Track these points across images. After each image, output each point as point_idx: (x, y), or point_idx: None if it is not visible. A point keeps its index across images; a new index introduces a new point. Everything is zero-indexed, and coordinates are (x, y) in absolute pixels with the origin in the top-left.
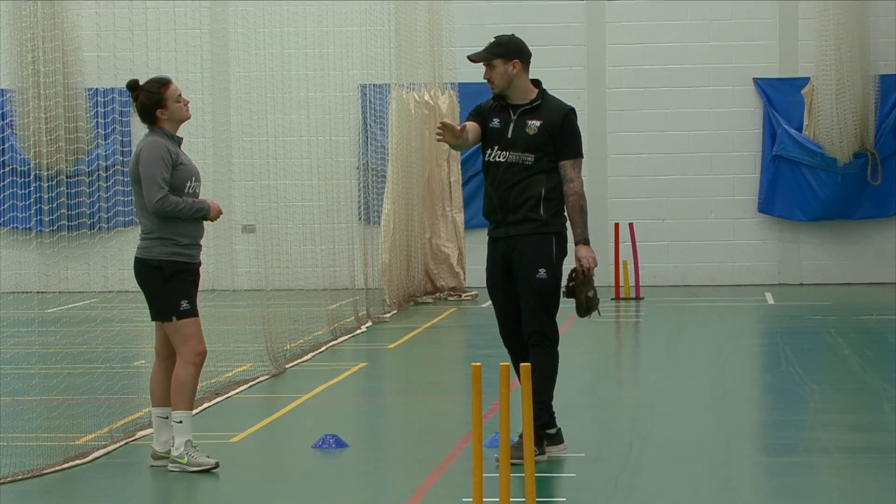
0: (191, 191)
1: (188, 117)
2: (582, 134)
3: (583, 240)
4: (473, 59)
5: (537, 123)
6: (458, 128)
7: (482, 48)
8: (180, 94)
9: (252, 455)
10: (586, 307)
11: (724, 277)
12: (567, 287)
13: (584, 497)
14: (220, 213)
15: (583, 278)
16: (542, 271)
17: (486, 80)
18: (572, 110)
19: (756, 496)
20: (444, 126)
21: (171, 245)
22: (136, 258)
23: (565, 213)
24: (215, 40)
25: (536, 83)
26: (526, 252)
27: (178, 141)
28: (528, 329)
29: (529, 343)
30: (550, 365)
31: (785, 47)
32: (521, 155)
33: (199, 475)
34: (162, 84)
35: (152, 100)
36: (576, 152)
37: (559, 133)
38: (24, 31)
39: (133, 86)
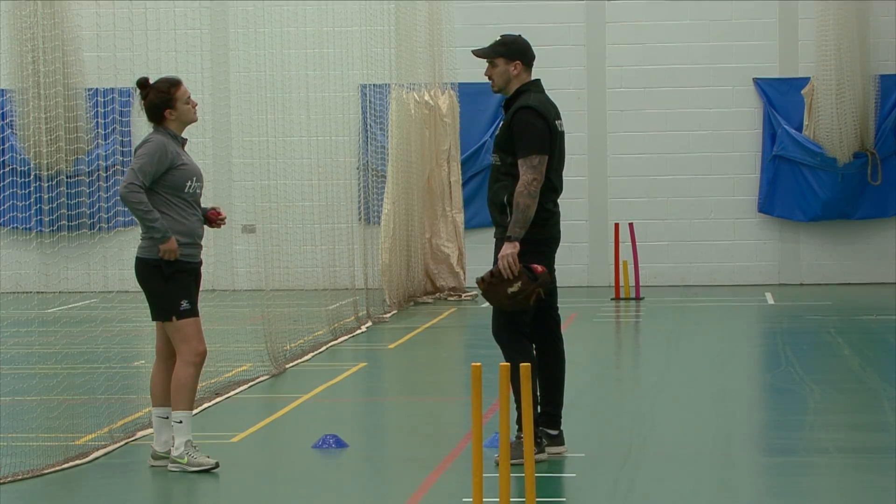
0: (191, 190)
1: (195, 120)
2: (580, 134)
3: (510, 236)
4: (477, 54)
5: (500, 123)
6: None
7: (488, 45)
8: (189, 97)
9: (252, 455)
10: (511, 303)
11: (724, 277)
12: (480, 288)
13: (584, 497)
14: (173, 252)
15: (491, 280)
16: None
17: (487, 77)
18: (524, 107)
19: (756, 496)
20: None
21: None
22: (137, 257)
23: (544, 220)
24: (215, 40)
25: (531, 83)
26: (496, 256)
27: (183, 142)
28: (492, 330)
29: (497, 343)
30: (516, 362)
31: (785, 47)
32: (493, 156)
33: (199, 475)
34: (173, 84)
35: (162, 99)
36: (524, 149)
37: (512, 131)
38: (24, 31)
39: (143, 83)
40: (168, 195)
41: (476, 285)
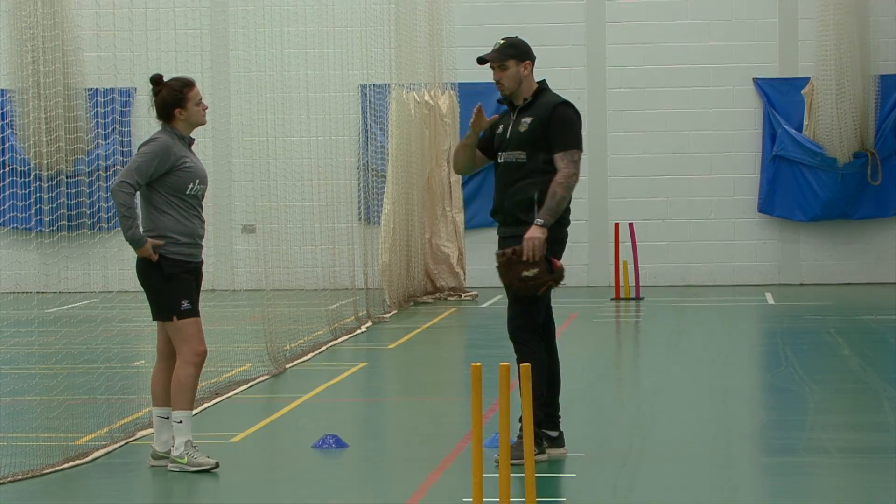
0: (193, 192)
1: (203, 123)
2: (582, 134)
3: (539, 220)
4: (486, 58)
5: (528, 120)
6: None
7: (490, 49)
8: (201, 99)
9: (252, 455)
10: (521, 286)
11: (724, 277)
12: (498, 261)
13: (584, 497)
14: (149, 256)
15: (511, 257)
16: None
17: (494, 82)
18: (564, 103)
19: (756, 496)
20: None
21: (170, 244)
22: (137, 257)
23: (566, 218)
24: (215, 40)
25: (543, 82)
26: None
27: (190, 142)
28: (509, 327)
29: (512, 340)
30: (531, 362)
31: (785, 47)
32: (514, 153)
33: (199, 475)
34: (186, 84)
35: (174, 98)
36: (566, 144)
37: (549, 127)
38: (24, 31)
39: (157, 80)
40: (169, 195)
41: (495, 258)
